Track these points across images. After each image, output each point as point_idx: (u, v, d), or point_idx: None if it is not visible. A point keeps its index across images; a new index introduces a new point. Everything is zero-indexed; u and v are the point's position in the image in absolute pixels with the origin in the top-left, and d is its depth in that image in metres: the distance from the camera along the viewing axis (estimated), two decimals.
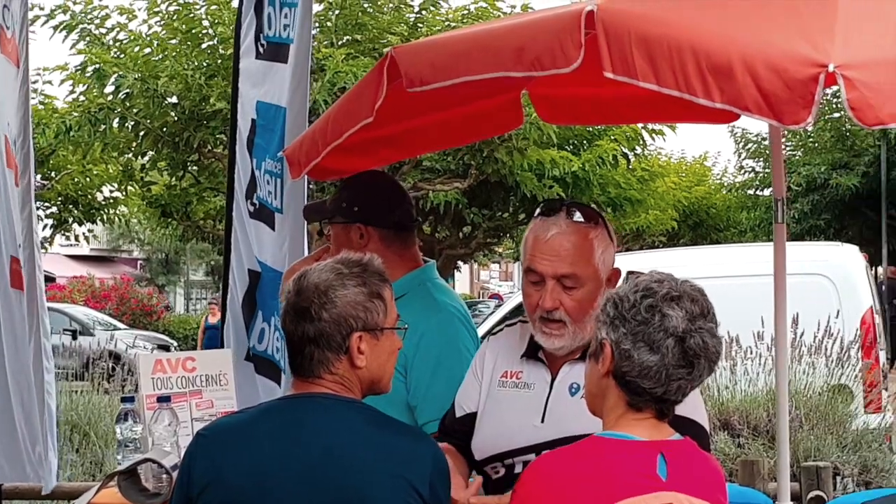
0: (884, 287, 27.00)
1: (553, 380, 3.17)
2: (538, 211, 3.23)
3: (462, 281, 51.50)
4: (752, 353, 7.77)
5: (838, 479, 6.79)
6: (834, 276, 9.30)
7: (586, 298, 3.11)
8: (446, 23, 15.13)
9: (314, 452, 2.65)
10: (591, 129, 16.65)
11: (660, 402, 2.60)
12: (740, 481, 6.05)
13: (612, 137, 16.64)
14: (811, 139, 29.39)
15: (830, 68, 2.63)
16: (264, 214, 4.78)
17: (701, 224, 32.66)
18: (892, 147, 26.20)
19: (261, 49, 4.81)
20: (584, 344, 3.09)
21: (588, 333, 3.04)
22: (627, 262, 10.50)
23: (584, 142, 17.20)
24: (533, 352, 3.22)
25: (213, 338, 24.17)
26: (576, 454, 2.58)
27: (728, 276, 9.01)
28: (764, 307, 7.66)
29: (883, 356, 9.53)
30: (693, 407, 2.96)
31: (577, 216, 3.16)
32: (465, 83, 3.26)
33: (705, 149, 68.34)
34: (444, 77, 3.30)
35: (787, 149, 30.22)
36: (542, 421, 3.12)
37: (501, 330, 3.38)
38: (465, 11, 15.52)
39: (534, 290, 3.15)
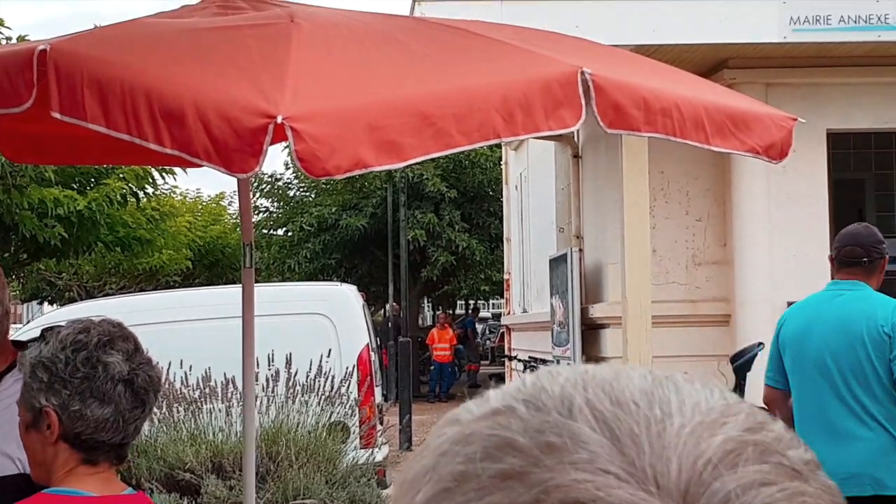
0: (390, 324, 28.23)
1: None
2: None
3: None
4: None
5: None
6: (332, 315, 9.56)
7: None
8: None
9: None
10: (98, 167, 16.22)
11: (118, 449, 2.55)
12: None
13: (121, 176, 16.30)
14: (324, 181, 30.29)
15: (279, 119, 2.69)
16: None
17: (217, 263, 32.65)
18: (397, 190, 27.51)
19: None
20: None
21: None
22: (127, 303, 10.29)
23: (92, 180, 16.73)
24: None
25: None
26: None
27: (224, 316, 9.04)
28: (262, 347, 7.81)
29: (378, 392, 9.90)
30: None
31: None
32: None
33: (222, 188, 68.31)
34: None
35: (301, 189, 30.95)
36: None
37: None
38: None
39: None
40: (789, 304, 12.34)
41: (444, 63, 3.31)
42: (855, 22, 11.65)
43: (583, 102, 3.17)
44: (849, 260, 5.33)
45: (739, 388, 9.23)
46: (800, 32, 11.67)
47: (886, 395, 5.06)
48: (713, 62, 12.70)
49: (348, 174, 2.82)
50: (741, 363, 9.35)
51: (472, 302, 43.28)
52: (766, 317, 12.51)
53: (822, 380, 5.19)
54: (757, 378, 9.36)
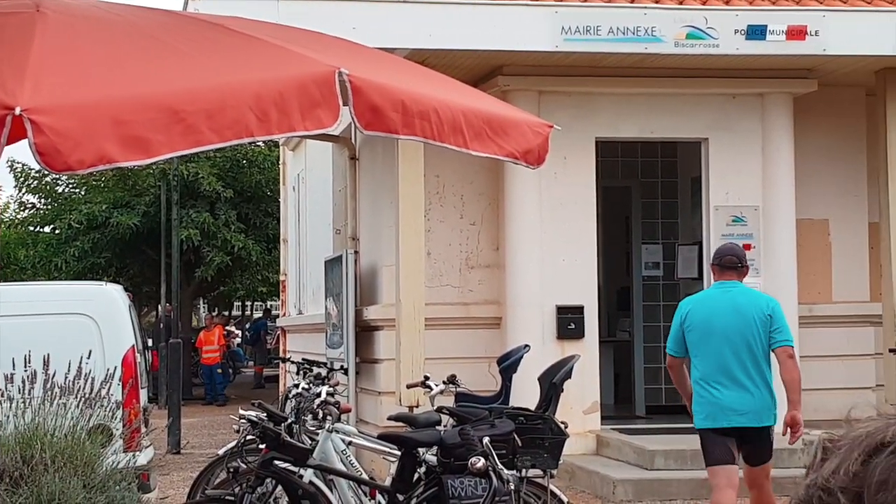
0: (162, 325, 27.65)
1: None
2: None
3: None
4: (3, 395, 7.52)
5: None
6: (96, 316, 9.27)
7: None
8: None
9: None
10: None
11: None
12: None
13: None
14: (94, 177, 29.45)
15: (17, 111, 2.59)
16: None
17: None
18: (170, 188, 26.98)
19: None
20: None
21: None
22: None
23: None
24: None
25: None
26: None
27: None
28: (20, 347, 7.51)
29: (144, 395, 9.66)
30: None
31: None
32: None
33: None
34: None
35: (70, 186, 30.00)
36: None
37: None
38: None
39: None
40: (558, 307, 12.70)
41: (200, 59, 3.24)
42: (624, 33, 12.01)
43: (340, 103, 3.15)
44: (729, 265, 7.78)
45: (506, 389, 9.37)
46: (571, 42, 11.97)
47: (766, 360, 7.64)
48: (488, 69, 12.90)
49: (92, 169, 2.74)
50: (508, 364, 9.49)
51: (248, 303, 42.84)
52: (535, 319, 12.79)
53: (726, 348, 7.59)
54: (522, 379, 9.55)
